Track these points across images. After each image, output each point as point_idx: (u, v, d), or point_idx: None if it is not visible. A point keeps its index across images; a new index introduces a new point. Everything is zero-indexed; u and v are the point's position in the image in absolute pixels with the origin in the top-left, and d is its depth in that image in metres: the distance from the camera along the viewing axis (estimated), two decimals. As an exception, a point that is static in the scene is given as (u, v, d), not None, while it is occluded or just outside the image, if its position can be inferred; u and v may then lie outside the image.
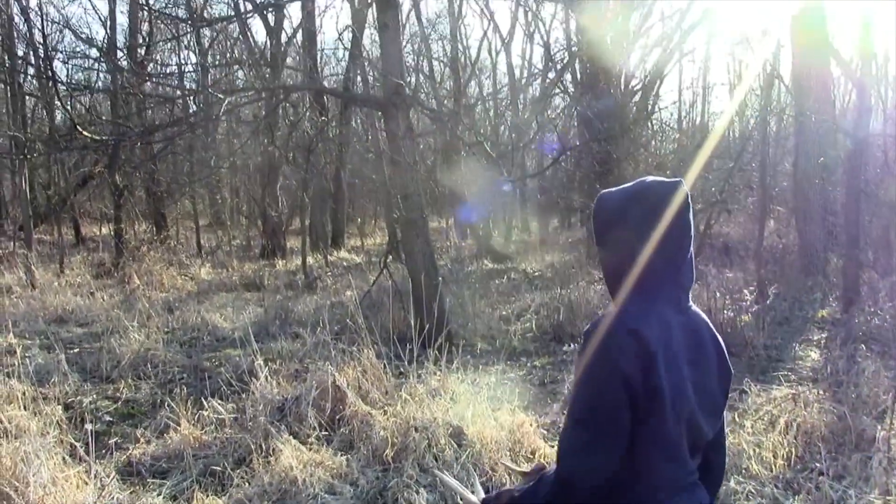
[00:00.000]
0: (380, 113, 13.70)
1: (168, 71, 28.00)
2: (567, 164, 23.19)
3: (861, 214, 14.05)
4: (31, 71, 23.74)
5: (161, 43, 27.55)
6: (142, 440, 7.24)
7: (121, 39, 25.65)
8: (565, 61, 25.43)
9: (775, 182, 20.56)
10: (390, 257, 14.48)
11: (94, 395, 8.93)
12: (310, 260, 21.35)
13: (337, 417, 7.32)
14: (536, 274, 19.64)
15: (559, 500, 2.56)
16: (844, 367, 8.68)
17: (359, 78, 26.83)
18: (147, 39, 25.86)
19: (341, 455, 6.60)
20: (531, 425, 7.12)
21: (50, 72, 18.83)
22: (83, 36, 26.49)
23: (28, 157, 18.73)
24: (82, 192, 27.75)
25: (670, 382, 2.37)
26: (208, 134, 26.47)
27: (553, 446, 6.88)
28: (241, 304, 14.92)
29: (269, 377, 7.91)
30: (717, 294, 11.72)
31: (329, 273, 19.84)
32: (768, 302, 12.63)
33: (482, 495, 3.19)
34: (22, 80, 25.32)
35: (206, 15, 23.59)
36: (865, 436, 6.68)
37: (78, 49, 29.08)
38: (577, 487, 2.48)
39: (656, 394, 2.35)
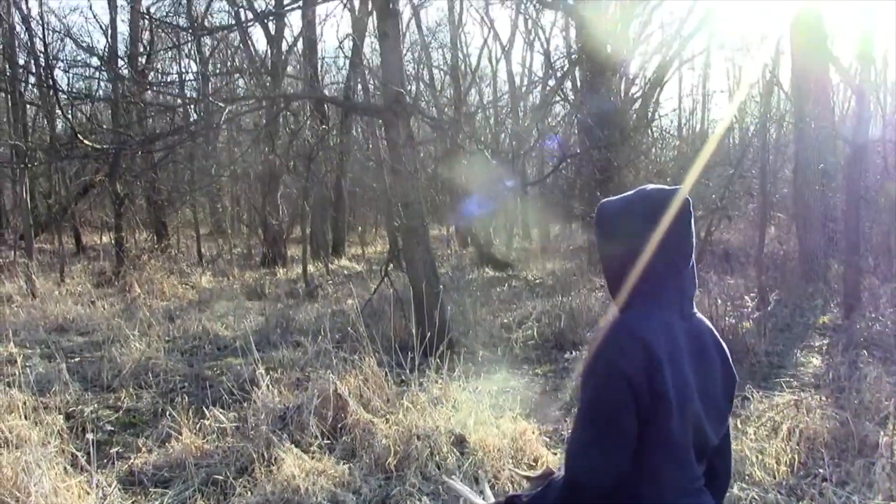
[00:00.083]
0: (380, 121, 13.71)
1: (169, 79, 28.00)
2: (568, 171, 23.17)
3: (861, 220, 14.05)
4: (32, 80, 23.82)
5: (162, 52, 27.62)
6: (143, 449, 7.24)
7: (122, 48, 25.66)
8: (565, 69, 25.43)
9: (775, 189, 20.56)
10: (391, 265, 14.50)
11: (96, 405, 8.92)
12: (311, 268, 21.35)
13: (339, 426, 7.32)
14: (537, 281, 19.63)
15: (568, 503, 2.57)
16: (846, 373, 8.69)
17: (359, 86, 26.86)
18: (148, 48, 25.93)
19: (343, 463, 6.60)
20: (533, 433, 7.12)
21: (51, 80, 18.87)
22: (84, 45, 26.68)
23: (29, 165, 18.75)
24: (83, 200, 27.77)
25: (675, 388, 2.38)
26: (209, 142, 26.48)
27: (556, 454, 6.89)
28: (242, 313, 14.90)
29: (270, 386, 7.91)
30: (719, 301, 11.72)
31: (330, 281, 19.85)
32: (769, 308, 12.63)
33: (492, 500, 3.20)
34: (23, 89, 25.41)
35: (206, 24, 23.73)
36: (868, 441, 6.67)
37: (79, 58, 29.04)
38: (585, 490, 2.49)
39: (661, 398, 2.36)
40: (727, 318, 11.16)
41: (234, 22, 20.58)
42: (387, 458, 6.53)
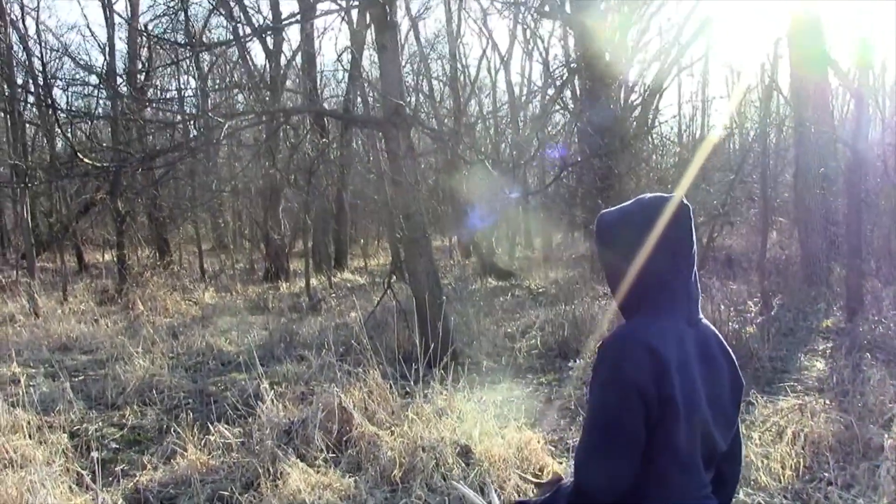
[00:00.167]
0: (380, 133, 13.72)
1: (168, 96, 28.15)
2: (569, 180, 23.17)
3: (862, 224, 14.06)
4: (30, 99, 23.85)
5: (160, 68, 27.70)
6: (149, 467, 7.23)
7: (120, 66, 25.74)
8: (564, 78, 25.43)
9: (776, 193, 20.58)
10: (394, 277, 14.48)
11: (100, 423, 8.90)
12: (313, 282, 21.35)
13: (344, 439, 7.31)
14: (540, 290, 19.62)
15: None
16: (850, 377, 8.68)
17: (359, 99, 26.93)
18: (146, 65, 25.96)
19: (349, 477, 6.59)
20: (538, 442, 7.11)
21: (50, 99, 18.93)
22: (82, 63, 26.67)
23: (29, 185, 18.76)
24: (84, 219, 27.78)
25: (683, 394, 2.39)
26: (209, 158, 26.54)
27: (561, 462, 6.88)
28: (245, 328, 14.89)
29: (275, 400, 7.90)
30: (722, 306, 11.70)
31: (333, 294, 19.84)
32: (772, 313, 12.63)
33: None
34: (22, 109, 25.42)
35: (205, 39, 23.77)
36: (873, 444, 6.67)
37: (77, 76, 29.19)
38: (594, 497, 2.50)
39: (669, 405, 2.37)
40: (730, 324, 11.14)
41: (232, 37, 20.67)
42: (392, 471, 6.53)
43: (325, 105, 30.13)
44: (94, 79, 24.08)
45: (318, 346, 10.84)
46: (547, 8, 23.79)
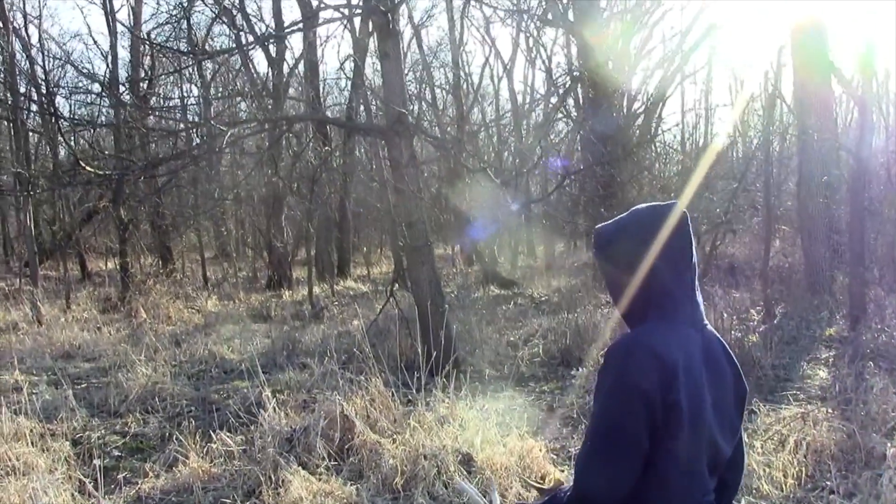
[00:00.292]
0: (383, 141, 13.72)
1: (171, 104, 28.08)
2: (571, 188, 23.18)
3: (866, 232, 14.04)
4: (33, 107, 23.83)
5: (163, 76, 27.72)
6: (151, 474, 7.23)
7: (123, 74, 25.75)
8: (567, 86, 25.46)
9: (779, 201, 20.57)
10: (396, 285, 14.46)
11: (103, 431, 8.90)
12: (316, 290, 21.33)
13: (346, 447, 7.31)
14: (543, 298, 19.62)
15: None
16: (853, 385, 8.66)
17: (361, 107, 26.94)
18: (149, 73, 25.98)
19: (351, 484, 6.59)
20: (540, 450, 7.10)
21: (52, 108, 18.87)
22: (85, 71, 26.60)
23: (32, 193, 18.77)
24: (87, 227, 27.78)
25: (689, 401, 2.39)
26: (212, 166, 26.54)
27: (563, 470, 6.87)
28: (248, 336, 14.89)
29: (277, 408, 7.90)
30: (725, 314, 11.70)
31: (335, 302, 19.86)
32: (775, 321, 12.63)
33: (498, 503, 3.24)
34: (25, 117, 25.45)
35: (207, 47, 23.77)
36: (875, 453, 6.65)
37: (80, 84, 29.17)
38: (594, 503, 2.49)
39: (674, 411, 2.37)
40: (733, 332, 11.13)
41: (235, 45, 20.63)
42: (394, 479, 6.53)
43: (328, 113, 30.19)
44: (96, 87, 24.05)
45: (321, 353, 10.83)
46: (550, 16, 23.84)
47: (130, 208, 23.01)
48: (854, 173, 13.80)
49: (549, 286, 21.78)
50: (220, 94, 29.30)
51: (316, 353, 11.73)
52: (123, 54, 27.17)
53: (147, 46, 24.30)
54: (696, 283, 2.62)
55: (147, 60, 26.96)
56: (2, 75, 22.10)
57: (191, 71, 28.27)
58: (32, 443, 7.39)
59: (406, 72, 26.06)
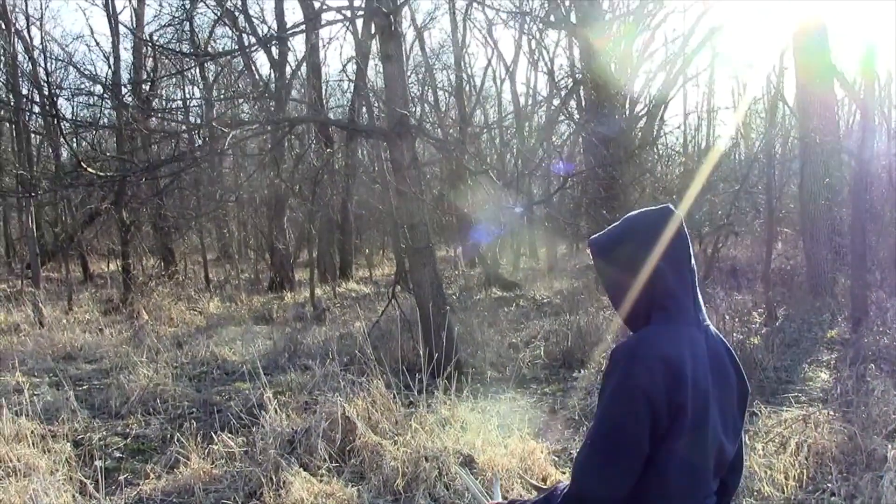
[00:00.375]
0: (385, 143, 13.71)
1: (173, 106, 28.07)
2: (574, 190, 23.16)
3: (867, 234, 14.05)
4: (35, 109, 23.86)
5: (165, 78, 27.69)
6: (152, 476, 7.23)
7: (125, 75, 25.74)
8: (570, 88, 25.45)
9: (781, 204, 20.58)
10: (398, 287, 14.45)
11: (104, 432, 8.89)
12: (318, 292, 21.33)
13: (347, 448, 7.31)
14: (545, 301, 19.60)
15: None
16: (854, 388, 8.66)
17: (364, 109, 26.93)
18: (151, 75, 25.97)
19: (352, 486, 6.59)
20: (542, 452, 7.11)
21: (54, 109, 18.87)
22: (87, 73, 26.61)
23: (34, 195, 18.77)
24: (89, 228, 27.80)
25: (695, 402, 2.40)
26: (214, 168, 26.56)
27: (564, 472, 6.87)
28: (250, 338, 14.89)
29: (278, 410, 7.91)
30: (726, 317, 11.69)
31: (337, 304, 19.86)
32: (777, 323, 12.63)
33: (499, 499, 3.24)
34: (27, 118, 25.47)
35: (209, 49, 23.76)
36: (876, 455, 6.65)
37: (82, 86, 29.15)
38: (590, 503, 2.49)
39: (680, 413, 2.38)
40: (735, 334, 11.12)
41: (237, 47, 20.68)
42: (395, 480, 6.53)
43: (330, 115, 30.12)
44: (98, 88, 24.01)
45: (323, 355, 10.84)
46: (552, 18, 23.83)
47: (132, 210, 23.01)
48: (856, 176, 13.80)
49: (551, 288, 21.77)
50: (222, 96, 29.28)
51: (318, 354, 11.73)
52: (126, 56, 27.14)
53: (149, 48, 24.29)
54: (697, 283, 2.62)
55: (149, 62, 26.96)
56: (4, 77, 22.13)
57: (193, 73, 28.31)
58: (34, 444, 7.39)
59: (408, 74, 26.12)
